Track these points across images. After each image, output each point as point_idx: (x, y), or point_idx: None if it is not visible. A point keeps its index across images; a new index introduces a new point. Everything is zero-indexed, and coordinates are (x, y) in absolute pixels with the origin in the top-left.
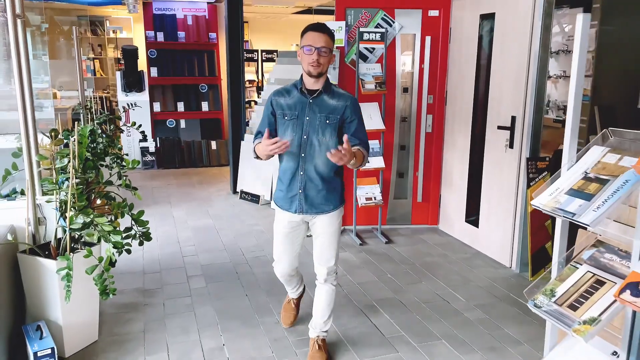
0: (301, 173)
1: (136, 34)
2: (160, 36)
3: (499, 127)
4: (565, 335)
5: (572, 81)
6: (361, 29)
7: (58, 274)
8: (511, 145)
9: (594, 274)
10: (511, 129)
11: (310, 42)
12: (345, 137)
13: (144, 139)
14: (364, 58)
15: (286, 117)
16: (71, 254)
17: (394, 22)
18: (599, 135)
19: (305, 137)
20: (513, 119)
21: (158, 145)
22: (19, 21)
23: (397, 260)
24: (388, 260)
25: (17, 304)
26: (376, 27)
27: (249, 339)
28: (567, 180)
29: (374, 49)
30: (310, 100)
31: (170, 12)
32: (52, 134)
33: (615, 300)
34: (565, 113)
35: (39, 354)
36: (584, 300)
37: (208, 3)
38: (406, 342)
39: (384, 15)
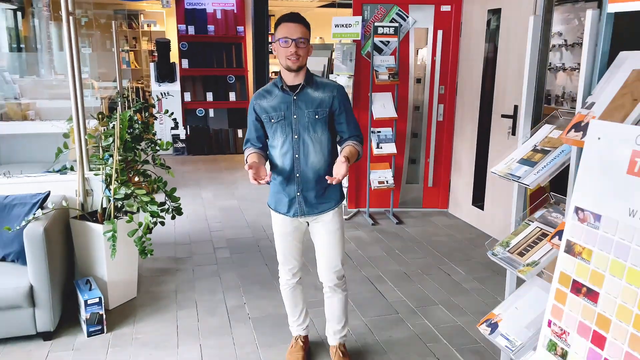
0: (297, 175)
1: (169, 28)
2: (191, 29)
3: (503, 116)
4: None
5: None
6: (376, 24)
7: (105, 236)
8: (513, 133)
9: (541, 229)
10: (514, 117)
11: (286, 34)
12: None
13: (176, 127)
14: (379, 50)
15: (272, 120)
16: (115, 219)
17: (407, 17)
18: (549, 115)
19: (296, 137)
20: (515, 107)
21: (188, 133)
22: (70, 18)
23: (405, 239)
24: (397, 239)
25: (69, 262)
26: (391, 21)
27: (267, 299)
28: (520, 152)
29: (388, 42)
30: (294, 97)
31: (201, 6)
32: (100, 116)
33: (552, 248)
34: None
35: (88, 302)
36: (530, 249)
37: None
38: (406, 306)
39: (399, 10)
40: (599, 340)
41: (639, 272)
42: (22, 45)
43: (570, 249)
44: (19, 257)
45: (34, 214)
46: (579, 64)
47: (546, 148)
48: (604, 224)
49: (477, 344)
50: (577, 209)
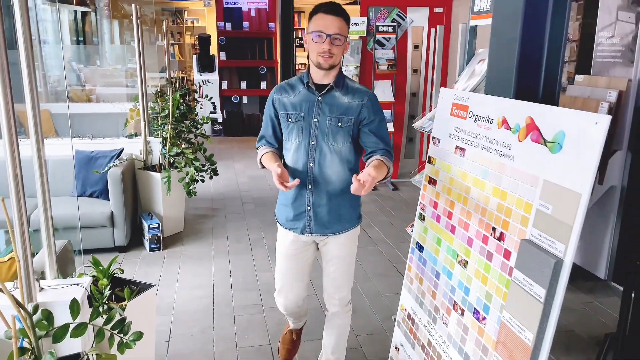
0: (309, 186)
1: (209, 24)
2: (229, 26)
3: None
4: None
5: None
6: (377, 23)
7: (162, 181)
8: None
9: None
10: None
11: (320, 28)
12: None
13: (214, 111)
14: (382, 45)
15: (290, 119)
16: (169, 170)
17: (406, 17)
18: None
19: (313, 142)
20: None
21: (225, 117)
22: (139, 21)
23: (397, 201)
24: (391, 200)
25: (135, 201)
26: (392, 21)
27: None
28: (429, 115)
29: (389, 38)
30: (319, 98)
31: (237, 5)
32: (158, 94)
33: None
34: None
35: (150, 226)
36: None
37: None
38: (385, 242)
39: (399, 11)
40: (443, 210)
41: (451, 168)
42: (81, 39)
43: (429, 159)
44: (102, 194)
45: (114, 163)
46: None
47: None
48: (441, 145)
49: None
50: (434, 138)
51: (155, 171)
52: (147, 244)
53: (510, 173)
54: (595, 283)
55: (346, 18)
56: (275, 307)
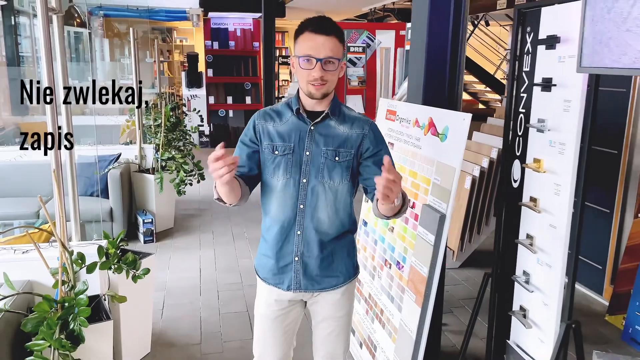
0: (298, 232)
1: (197, 43)
2: (216, 45)
3: None
4: None
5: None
6: (349, 44)
7: (155, 182)
8: None
9: None
10: None
11: (309, 51)
12: (386, 159)
13: (202, 124)
14: (354, 64)
15: (277, 152)
16: (161, 172)
17: (374, 39)
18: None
19: (304, 180)
20: None
21: (212, 130)
22: (135, 42)
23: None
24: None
25: (131, 201)
26: (362, 42)
27: None
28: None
29: (360, 57)
30: (312, 127)
31: (224, 26)
32: (152, 104)
33: None
34: None
35: (144, 221)
36: None
37: (253, 18)
38: None
39: (368, 34)
40: None
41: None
42: (74, 56)
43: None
44: (101, 193)
45: (113, 166)
46: None
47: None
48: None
49: None
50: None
51: (149, 173)
52: (141, 237)
53: (419, 159)
54: None
55: (339, 35)
56: (254, 284)
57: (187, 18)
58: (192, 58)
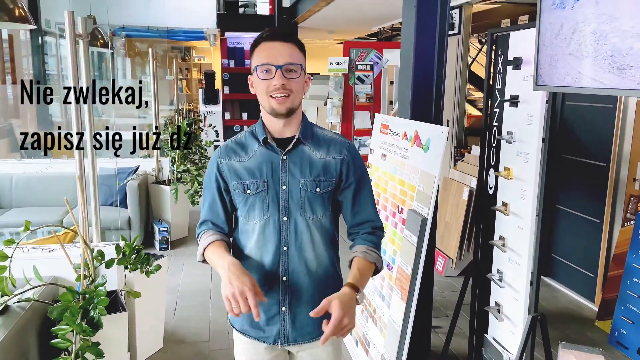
0: (284, 278)
1: (214, 61)
2: (232, 63)
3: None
4: None
5: None
6: (357, 62)
7: (170, 192)
8: (447, 139)
9: None
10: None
11: (266, 59)
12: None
13: (217, 139)
14: (362, 81)
15: (249, 191)
16: (177, 183)
17: (382, 57)
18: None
19: (284, 218)
20: (447, 121)
21: None
22: (155, 62)
23: None
24: None
25: (148, 210)
26: (370, 60)
27: None
28: None
29: (368, 75)
30: (284, 157)
31: (240, 45)
32: (169, 120)
33: None
34: None
35: (160, 229)
36: None
37: None
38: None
39: (376, 52)
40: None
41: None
42: (97, 74)
43: (368, 165)
44: (120, 203)
45: (132, 177)
46: None
47: None
48: (374, 154)
49: None
50: (371, 149)
51: (165, 185)
52: (157, 245)
53: (406, 168)
54: None
55: (298, 43)
56: None
57: (204, 38)
58: (209, 76)
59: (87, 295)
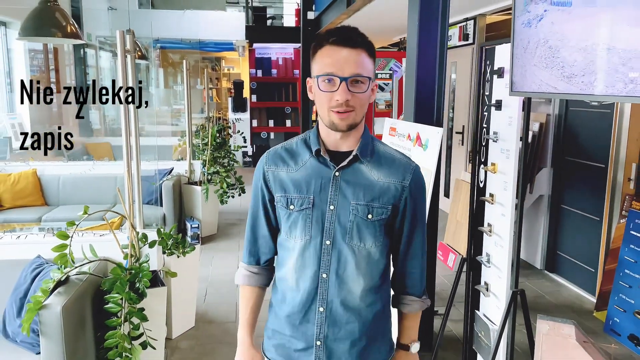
0: (321, 309)
1: (243, 71)
2: (260, 73)
3: (456, 132)
4: None
5: None
6: (377, 71)
7: (202, 192)
8: (462, 143)
9: None
10: (462, 132)
11: (331, 69)
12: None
13: (245, 145)
14: (382, 89)
15: (292, 207)
16: (207, 184)
17: (401, 66)
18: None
19: (327, 242)
20: (463, 126)
21: (254, 150)
22: (187, 72)
23: None
24: None
25: (181, 208)
26: (390, 69)
27: None
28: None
29: (387, 83)
30: (337, 173)
31: (267, 55)
32: (201, 126)
33: None
34: None
35: (192, 226)
36: None
37: (294, 48)
38: None
39: (395, 62)
40: None
41: None
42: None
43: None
44: (155, 202)
45: (167, 178)
46: None
47: None
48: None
49: None
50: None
51: (197, 185)
52: (189, 240)
53: None
54: (532, 271)
55: (369, 49)
56: None
57: (234, 49)
58: (238, 85)
59: (133, 271)
